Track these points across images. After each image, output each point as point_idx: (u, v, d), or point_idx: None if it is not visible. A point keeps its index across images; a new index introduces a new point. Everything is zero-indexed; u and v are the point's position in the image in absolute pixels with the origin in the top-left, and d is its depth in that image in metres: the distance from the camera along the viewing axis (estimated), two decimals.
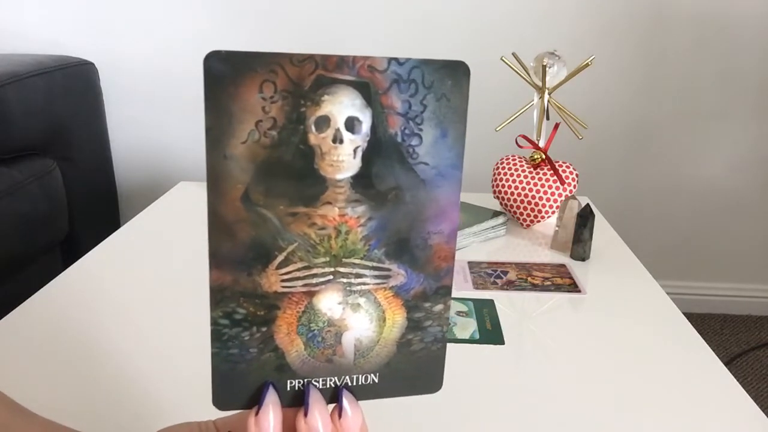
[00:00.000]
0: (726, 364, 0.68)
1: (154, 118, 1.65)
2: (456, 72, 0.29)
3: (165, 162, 1.69)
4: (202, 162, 0.29)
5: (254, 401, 0.30)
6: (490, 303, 0.81)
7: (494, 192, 1.11)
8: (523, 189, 1.07)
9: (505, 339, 0.72)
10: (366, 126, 0.28)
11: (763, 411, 0.60)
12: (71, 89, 1.47)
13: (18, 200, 1.23)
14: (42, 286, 0.81)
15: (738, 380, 0.65)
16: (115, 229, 1.02)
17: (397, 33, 1.57)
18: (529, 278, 0.89)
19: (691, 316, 0.79)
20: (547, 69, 1.04)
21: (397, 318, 0.31)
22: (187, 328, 0.72)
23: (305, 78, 0.27)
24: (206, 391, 0.30)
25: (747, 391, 0.63)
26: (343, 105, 0.27)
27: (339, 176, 0.28)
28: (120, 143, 1.67)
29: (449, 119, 0.29)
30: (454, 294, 0.83)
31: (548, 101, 1.07)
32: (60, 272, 0.85)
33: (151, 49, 1.60)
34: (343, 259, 0.30)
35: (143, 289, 0.83)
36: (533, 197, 1.06)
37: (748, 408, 0.61)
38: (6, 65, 1.28)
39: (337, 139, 0.28)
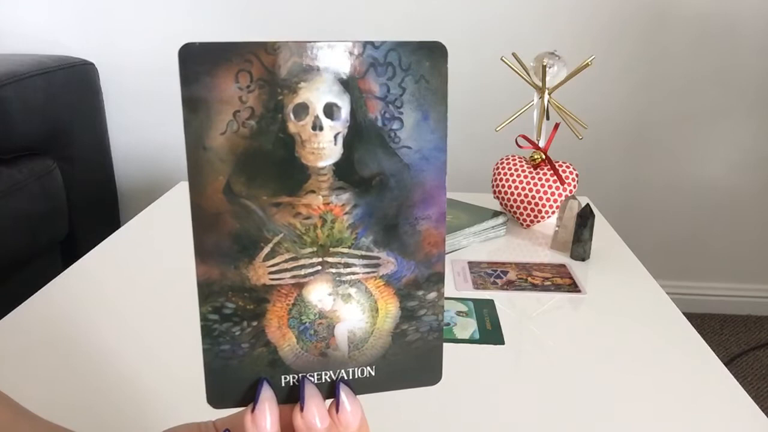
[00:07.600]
0: (726, 364, 0.68)
1: (154, 118, 1.65)
2: (433, 53, 0.28)
3: (165, 162, 1.69)
4: None
5: (249, 398, 0.29)
6: (490, 303, 0.81)
7: (494, 192, 1.11)
8: (523, 189, 1.07)
9: (505, 339, 0.72)
10: (345, 112, 0.28)
11: (763, 411, 0.60)
12: (71, 89, 1.47)
13: (18, 200, 1.23)
14: (42, 286, 0.81)
15: (738, 380, 0.65)
16: (115, 229, 1.02)
17: (395, 33, 1.57)
18: (529, 278, 0.89)
19: (691, 316, 0.79)
20: (547, 69, 1.04)
21: (389, 308, 0.31)
22: (187, 328, 0.71)
23: (281, 66, 0.26)
24: (203, 390, 0.29)
25: (747, 391, 0.63)
26: (320, 91, 0.27)
27: (321, 164, 0.28)
28: (120, 143, 1.67)
29: (429, 101, 0.29)
30: (455, 294, 0.83)
31: (548, 101, 1.07)
32: (60, 272, 0.85)
33: (151, 49, 1.60)
34: (331, 249, 0.29)
35: (143, 289, 0.82)
36: (533, 197, 1.06)
37: (748, 408, 0.61)
38: (6, 65, 1.28)
39: (317, 126, 0.27)
